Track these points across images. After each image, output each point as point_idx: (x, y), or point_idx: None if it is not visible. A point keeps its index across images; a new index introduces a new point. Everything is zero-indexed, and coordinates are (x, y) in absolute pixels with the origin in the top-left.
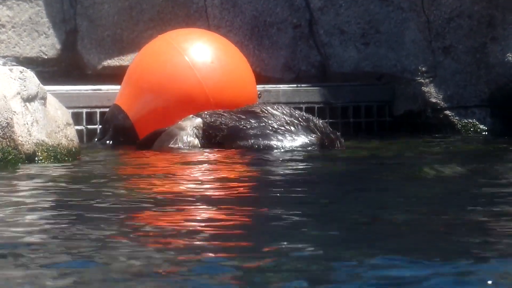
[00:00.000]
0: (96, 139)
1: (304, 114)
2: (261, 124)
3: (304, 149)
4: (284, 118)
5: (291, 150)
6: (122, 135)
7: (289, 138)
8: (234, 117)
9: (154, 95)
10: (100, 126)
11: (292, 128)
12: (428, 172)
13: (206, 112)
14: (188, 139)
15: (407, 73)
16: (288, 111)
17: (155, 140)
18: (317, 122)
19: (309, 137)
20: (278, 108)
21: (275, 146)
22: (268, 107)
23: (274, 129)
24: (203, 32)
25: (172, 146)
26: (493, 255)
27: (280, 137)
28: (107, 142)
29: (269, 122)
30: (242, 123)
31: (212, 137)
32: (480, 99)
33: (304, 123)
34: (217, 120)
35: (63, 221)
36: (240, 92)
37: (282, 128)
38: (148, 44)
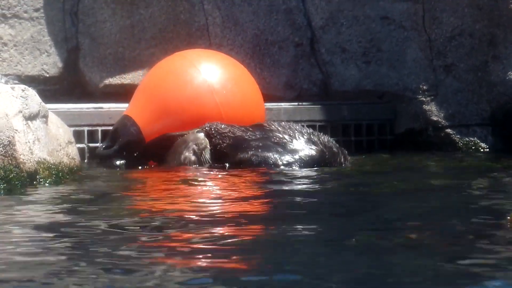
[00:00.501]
0: (102, 147)
1: (311, 130)
2: (265, 136)
3: (303, 162)
4: (288, 131)
5: (290, 164)
6: (131, 147)
7: (289, 149)
8: (243, 128)
9: (171, 114)
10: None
11: (294, 141)
12: (428, 188)
13: (218, 122)
14: (192, 156)
15: (408, 92)
16: (294, 126)
17: (162, 144)
18: (321, 136)
19: (310, 150)
20: (286, 124)
21: (273, 158)
22: (276, 123)
23: (275, 141)
24: (218, 54)
25: (178, 162)
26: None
27: (280, 149)
28: (114, 151)
29: (272, 134)
30: (248, 133)
31: (217, 144)
32: (481, 117)
33: (306, 136)
34: (226, 127)
35: (66, 238)
36: (252, 116)
37: (284, 140)
38: (167, 60)
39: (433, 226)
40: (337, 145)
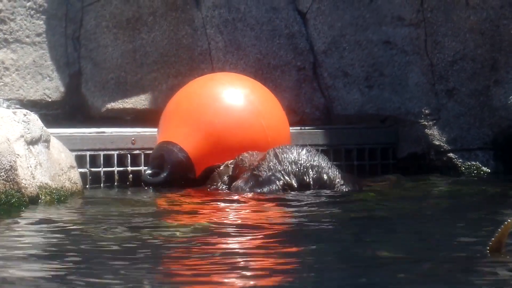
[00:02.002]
0: (148, 175)
1: (296, 157)
2: (254, 167)
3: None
4: (271, 163)
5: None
6: (181, 174)
7: (258, 182)
8: (255, 157)
9: (218, 138)
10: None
11: (264, 174)
12: (426, 212)
13: (243, 154)
14: (225, 187)
15: (410, 116)
16: (285, 154)
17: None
18: (304, 166)
19: (273, 185)
20: (284, 150)
21: (240, 191)
22: (273, 151)
23: (254, 173)
24: (244, 77)
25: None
26: None
27: (251, 182)
28: (164, 179)
29: (261, 163)
30: (250, 163)
31: (233, 178)
32: (483, 141)
33: (281, 167)
34: (245, 157)
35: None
36: (287, 137)
37: (260, 173)
38: (197, 84)
39: (415, 251)
40: (321, 176)
